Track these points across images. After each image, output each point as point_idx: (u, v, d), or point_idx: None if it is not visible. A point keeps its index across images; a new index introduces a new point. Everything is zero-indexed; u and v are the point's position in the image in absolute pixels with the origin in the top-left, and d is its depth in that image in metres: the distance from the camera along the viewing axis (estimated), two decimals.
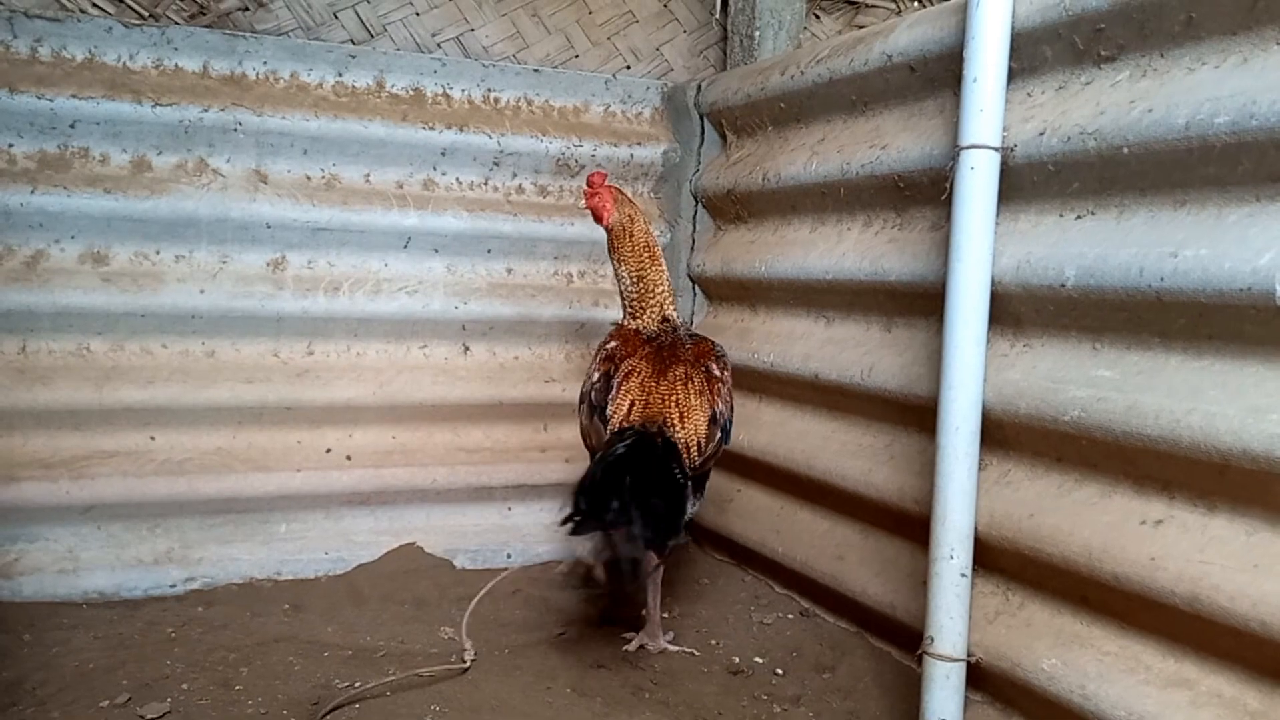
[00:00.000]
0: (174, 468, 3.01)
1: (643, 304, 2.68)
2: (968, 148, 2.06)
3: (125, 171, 2.96)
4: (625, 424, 2.39)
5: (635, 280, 2.68)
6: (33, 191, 2.85)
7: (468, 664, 2.49)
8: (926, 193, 2.44)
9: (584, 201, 2.74)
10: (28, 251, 2.89)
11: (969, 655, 2.11)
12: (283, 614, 2.85)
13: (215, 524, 3.08)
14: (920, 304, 2.46)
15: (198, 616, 2.79)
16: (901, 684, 2.42)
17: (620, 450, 2.27)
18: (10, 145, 2.85)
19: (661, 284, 2.68)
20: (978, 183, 2.06)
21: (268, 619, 2.79)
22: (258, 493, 3.09)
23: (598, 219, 2.72)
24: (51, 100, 2.85)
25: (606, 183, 2.72)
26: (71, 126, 2.89)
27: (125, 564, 2.96)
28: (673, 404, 2.44)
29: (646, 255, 2.68)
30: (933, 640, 2.11)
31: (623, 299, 2.72)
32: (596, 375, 2.56)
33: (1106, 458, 1.95)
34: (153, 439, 3.01)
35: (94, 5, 3.13)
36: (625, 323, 2.71)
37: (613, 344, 2.61)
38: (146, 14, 3.19)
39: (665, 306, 2.69)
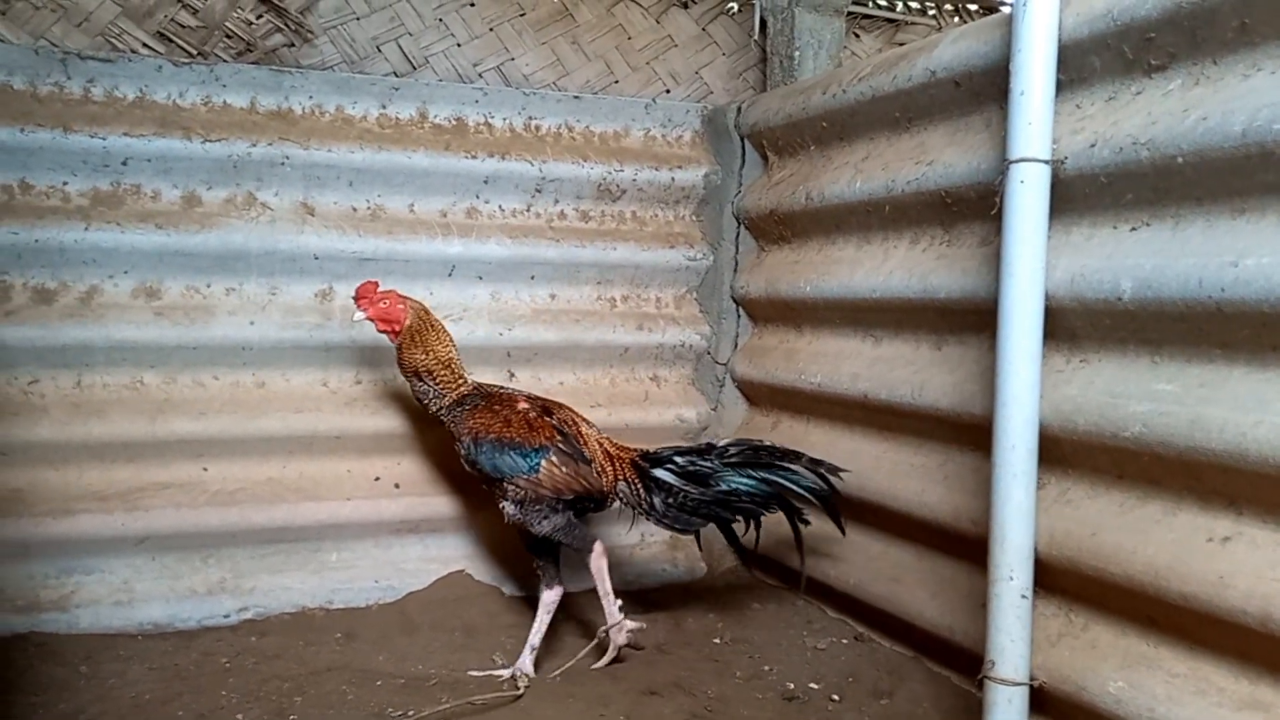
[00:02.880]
0: (226, 498, 3.04)
1: (456, 374, 2.78)
2: (1017, 161, 2.04)
3: (176, 207, 3.01)
4: (617, 457, 2.74)
5: (444, 364, 2.76)
6: (87, 228, 2.90)
7: (521, 690, 2.47)
8: (975, 208, 2.41)
9: (362, 314, 2.73)
10: (82, 287, 2.94)
11: (1031, 679, 2.06)
12: (335, 643, 2.86)
13: (267, 553, 3.10)
14: (971, 320, 2.43)
15: (251, 646, 2.81)
16: (962, 709, 2.37)
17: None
18: (65, 183, 2.91)
19: (455, 349, 2.80)
20: (1028, 196, 2.03)
21: (320, 648, 2.80)
22: (309, 522, 3.11)
23: (390, 325, 2.74)
24: (104, 139, 2.90)
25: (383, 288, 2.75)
26: (124, 164, 2.94)
27: (179, 595, 2.99)
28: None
29: (441, 334, 2.78)
30: (994, 664, 2.07)
31: (433, 384, 2.75)
32: (555, 436, 2.70)
33: (1170, 473, 1.90)
34: (205, 470, 3.04)
35: (144, 45, 3.20)
36: (453, 398, 2.75)
37: (522, 405, 2.76)
38: (195, 52, 3.25)
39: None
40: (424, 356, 2.73)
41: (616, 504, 2.79)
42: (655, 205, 3.58)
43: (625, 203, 3.53)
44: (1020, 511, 2.07)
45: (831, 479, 2.73)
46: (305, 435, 3.11)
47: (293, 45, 3.37)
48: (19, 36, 3.08)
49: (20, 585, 2.85)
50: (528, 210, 3.42)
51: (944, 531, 2.50)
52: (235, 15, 3.29)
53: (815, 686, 2.61)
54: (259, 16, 3.32)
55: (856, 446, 2.91)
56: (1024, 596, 2.06)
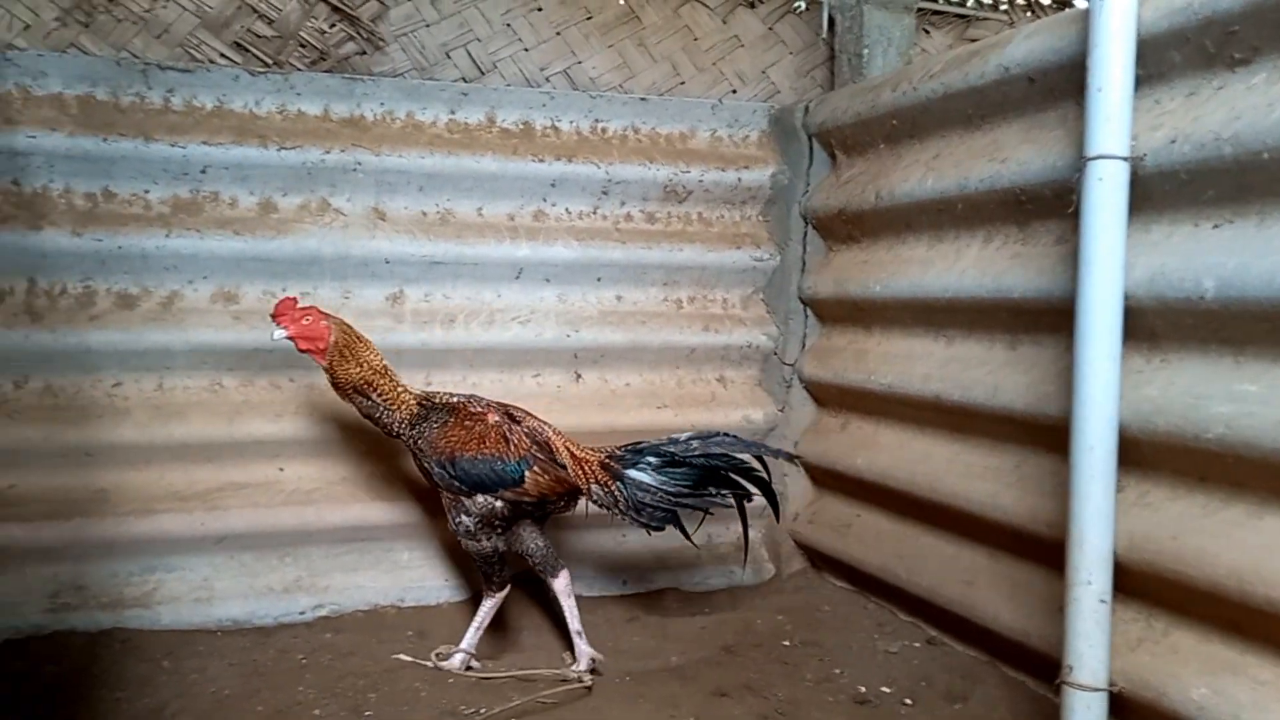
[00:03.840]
0: (302, 498, 3.10)
1: (394, 381, 2.70)
2: (1094, 158, 2.00)
3: (253, 213, 3.08)
4: (585, 460, 2.72)
5: (381, 373, 2.67)
6: (167, 235, 2.98)
7: (588, 683, 2.49)
8: (1050, 206, 2.37)
9: (283, 332, 2.60)
10: (163, 292, 3.02)
11: (1111, 684, 2.02)
12: (407, 640, 2.90)
13: (341, 552, 3.16)
14: (1047, 320, 2.39)
15: (326, 643, 2.86)
16: (1039, 715, 2.34)
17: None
18: (147, 191, 2.99)
19: (383, 359, 2.71)
20: (1106, 194, 2.00)
21: (394, 645, 2.84)
22: (381, 521, 3.16)
23: (313, 343, 2.62)
24: (184, 147, 2.97)
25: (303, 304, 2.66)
26: (203, 172, 3.02)
27: (257, 592, 3.05)
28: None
29: (369, 344, 2.69)
30: (1071, 669, 2.03)
31: (378, 397, 2.66)
32: (532, 446, 2.68)
33: (1254, 476, 1.86)
34: (281, 470, 3.11)
35: (222, 55, 3.27)
36: (407, 413, 2.67)
37: (494, 419, 2.69)
38: (271, 61, 3.32)
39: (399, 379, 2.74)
40: (358, 369, 2.63)
41: (588, 505, 2.77)
42: (722, 206, 3.57)
43: (691, 204, 3.53)
44: (1099, 514, 2.03)
45: (766, 461, 2.79)
46: (378, 436, 3.15)
47: (365, 53, 3.43)
48: (102, 49, 3.17)
49: (105, 583, 2.93)
50: (594, 212, 3.43)
51: (1019, 534, 2.46)
52: (309, 24, 3.35)
53: (887, 690, 2.59)
54: (332, 25, 3.38)
55: (928, 448, 2.88)
56: (1102, 601, 2.02)
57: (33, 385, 2.91)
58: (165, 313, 3.01)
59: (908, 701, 2.52)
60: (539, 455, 2.67)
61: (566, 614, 2.74)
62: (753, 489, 2.79)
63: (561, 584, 2.74)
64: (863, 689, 2.60)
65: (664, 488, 2.71)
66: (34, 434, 2.87)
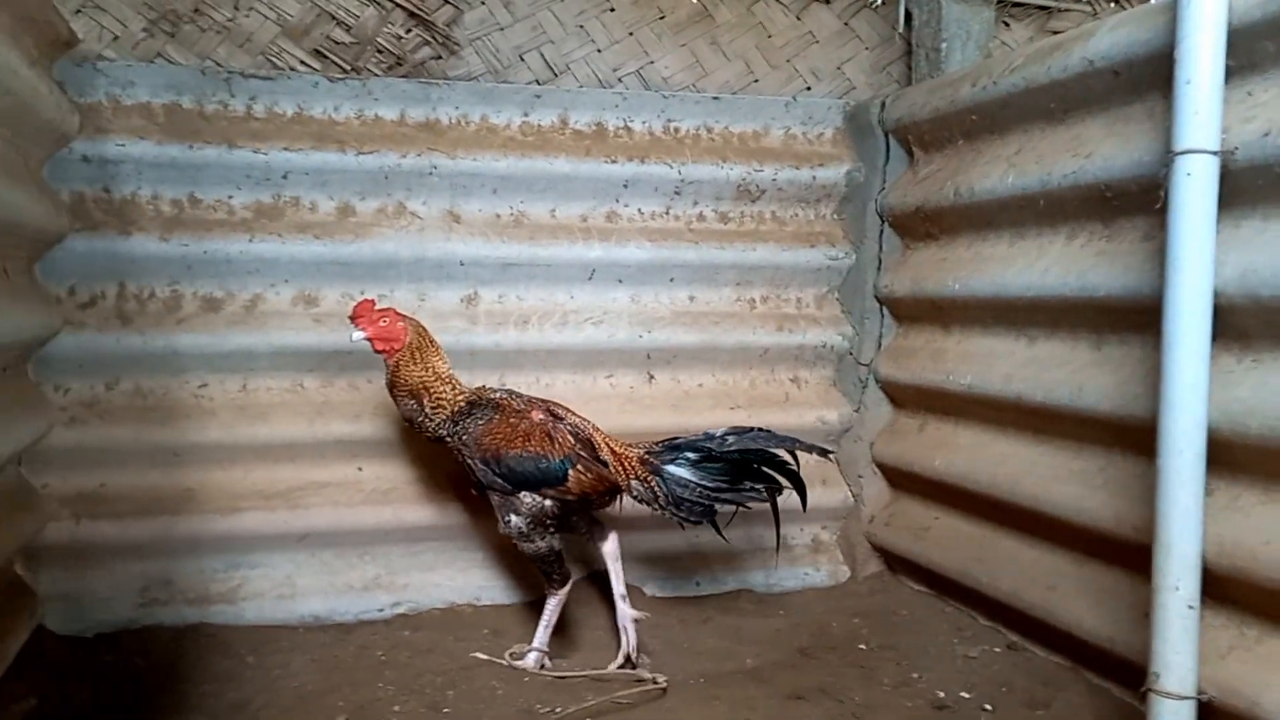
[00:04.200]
0: (380, 497, 3.15)
1: (455, 388, 2.72)
2: (1183, 153, 1.94)
3: (332, 218, 3.13)
4: (624, 456, 2.75)
5: (444, 380, 2.70)
6: (250, 240, 3.04)
7: (663, 684, 2.48)
8: (1137, 201, 2.31)
9: (361, 333, 2.65)
10: (246, 296, 3.09)
11: (1199, 693, 1.96)
12: (484, 638, 2.93)
13: (419, 551, 3.20)
14: (1133, 319, 2.32)
15: (405, 640, 2.90)
16: None
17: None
18: (230, 197, 3.06)
19: (449, 367, 2.75)
20: (1195, 189, 1.93)
21: (470, 643, 2.87)
22: (457, 521, 3.19)
23: (389, 344, 2.67)
24: (266, 154, 3.04)
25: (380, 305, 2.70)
26: (284, 177, 3.08)
27: (337, 590, 3.11)
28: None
29: (439, 350, 2.74)
30: (1158, 677, 1.98)
31: (429, 402, 2.68)
32: (575, 444, 2.70)
33: None
34: (360, 470, 3.16)
35: (302, 62, 3.34)
36: (449, 413, 2.68)
37: (538, 416, 2.71)
38: (349, 68, 3.37)
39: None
40: (423, 373, 2.67)
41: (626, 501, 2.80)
42: (796, 205, 3.54)
43: (765, 203, 3.51)
44: (1187, 518, 1.97)
45: (797, 456, 2.81)
46: None
47: (440, 57, 3.47)
48: (187, 58, 3.25)
49: (192, 579, 3.02)
50: (667, 213, 3.43)
51: (1104, 538, 2.40)
52: (386, 30, 3.40)
53: (966, 695, 2.54)
54: (408, 31, 3.42)
55: (1009, 450, 2.82)
56: (1191, 607, 1.96)
57: (123, 387, 3.00)
58: (248, 316, 3.08)
59: (987, 707, 2.48)
60: (582, 453, 2.69)
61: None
62: (785, 482, 2.80)
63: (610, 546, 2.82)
64: (941, 694, 2.55)
65: (702, 483, 2.74)
66: (124, 434, 2.95)
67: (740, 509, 2.78)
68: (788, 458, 2.80)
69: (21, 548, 2.74)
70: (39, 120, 2.57)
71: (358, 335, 2.66)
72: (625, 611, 2.76)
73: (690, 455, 2.76)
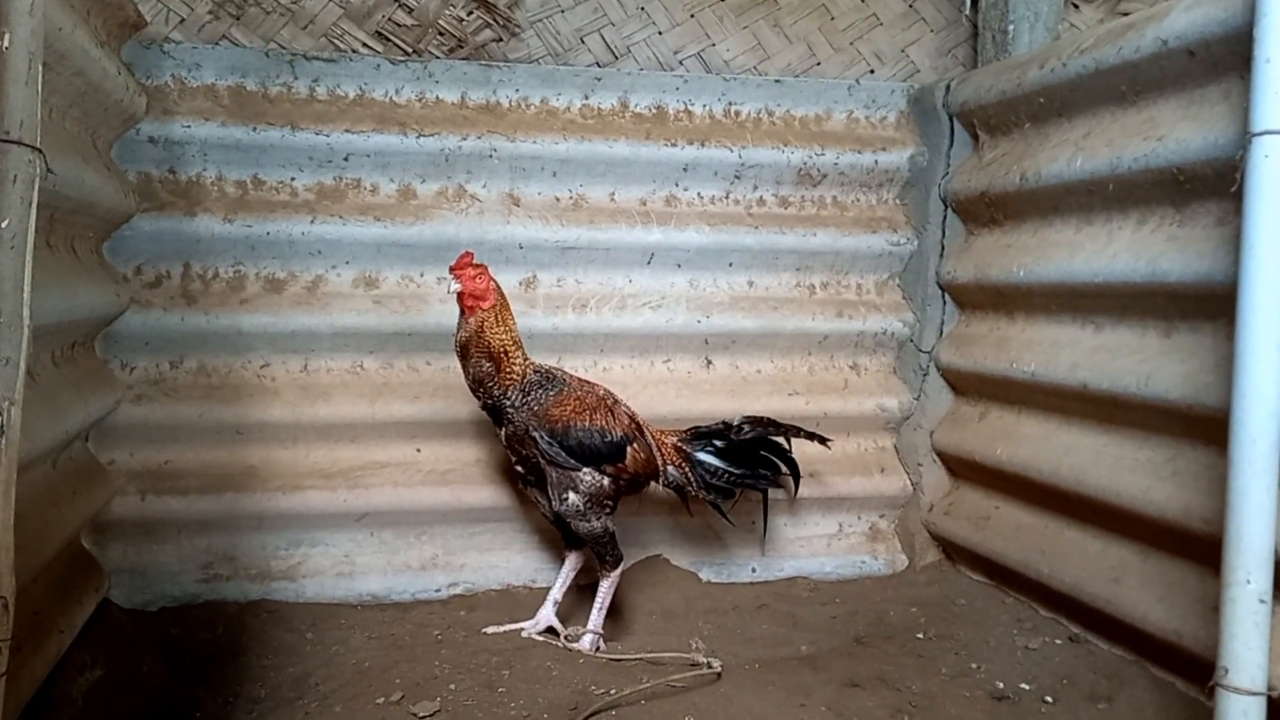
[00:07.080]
0: (438, 478, 3.17)
1: (525, 355, 2.74)
2: (1261, 134, 1.87)
3: (393, 200, 3.15)
4: (661, 442, 2.88)
5: (519, 344, 2.72)
6: (312, 221, 3.08)
7: (718, 668, 2.47)
8: (1211, 185, 2.24)
9: (458, 285, 2.63)
10: (308, 277, 3.12)
11: (1270, 689, 1.90)
12: None
13: (476, 532, 3.22)
14: (1205, 306, 2.26)
15: (461, 620, 2.92)
16: (1189, 718, 2.22)
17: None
18: (293, 179, 3.10)
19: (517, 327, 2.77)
20: (1273, 172, 1.86)
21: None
22: (513, 503, 3.21)
23: (478, 301, 2.65)
24: (328, 135, 3.07)
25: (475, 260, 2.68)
26: (345, 159, 3.10)
27: (396, 569, 3.15)
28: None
29: (512, 315, 2.74)
30: (1227, 671, 1.92)
31: (505, 367, 2.67)
32: (630, 422, 2.81)
33: None
34: (419, 450, 3.18)
35: (364, 45, 3.36)
36: (518, 383, 2.68)
37: (601, 391, 2.81)
38: (410, 50, 3.39)
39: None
40: (504, 336, 2.66)
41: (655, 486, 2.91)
42: (857, 189, 3.50)
43: (826, 187, 3.47)
44: (1259, 511, 1.91)
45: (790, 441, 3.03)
46: None
47: (500, 40, 3.47)
48: (251, 40, 3.28)
49: (254, 555, 3.07)
50: (726, 197, 3.41)
51: (1171, 530, 2.34)
52: (448, 13, 3.40)
53: (1027, 687, 2.50)
54: (470, 13, 3.43)
55: (1074, 439, 2.76)
56: (1262, 601, 1.90)
57: (188, 365, 3.06)
58: (310, 296, 3.11)
59: (1049, 700, 2.43)
60: (637, 433, 2.78)
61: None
62: (784, 468, 3.01)
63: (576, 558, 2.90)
64: (1000, 685, 2.51)
65: (728, 468, 2.92)
66: (189, 412, 3.01)
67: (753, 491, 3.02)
68: (790, 445, 3.02)
69: (89, 522, 2.80)
70: (108, 101, 2.61)
71: (455, 287, 2.65)
72: (547, 615, 2.81)
73: (718, 443, 2.94)
